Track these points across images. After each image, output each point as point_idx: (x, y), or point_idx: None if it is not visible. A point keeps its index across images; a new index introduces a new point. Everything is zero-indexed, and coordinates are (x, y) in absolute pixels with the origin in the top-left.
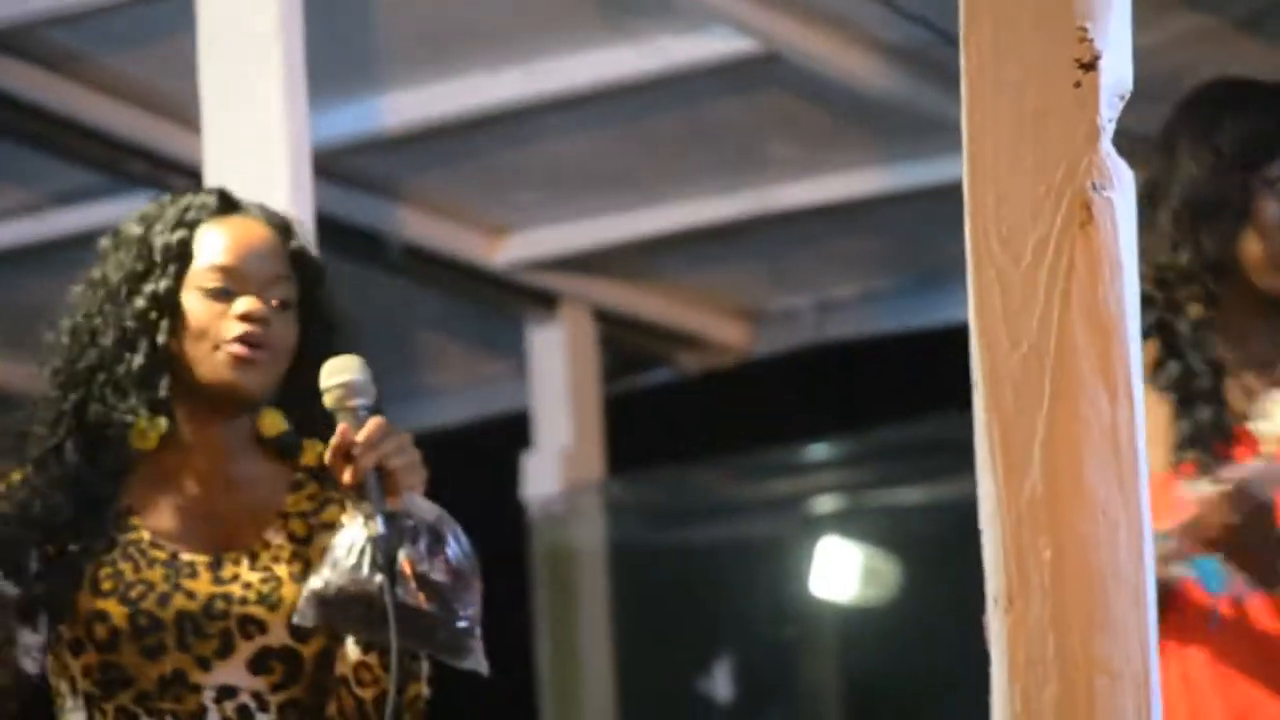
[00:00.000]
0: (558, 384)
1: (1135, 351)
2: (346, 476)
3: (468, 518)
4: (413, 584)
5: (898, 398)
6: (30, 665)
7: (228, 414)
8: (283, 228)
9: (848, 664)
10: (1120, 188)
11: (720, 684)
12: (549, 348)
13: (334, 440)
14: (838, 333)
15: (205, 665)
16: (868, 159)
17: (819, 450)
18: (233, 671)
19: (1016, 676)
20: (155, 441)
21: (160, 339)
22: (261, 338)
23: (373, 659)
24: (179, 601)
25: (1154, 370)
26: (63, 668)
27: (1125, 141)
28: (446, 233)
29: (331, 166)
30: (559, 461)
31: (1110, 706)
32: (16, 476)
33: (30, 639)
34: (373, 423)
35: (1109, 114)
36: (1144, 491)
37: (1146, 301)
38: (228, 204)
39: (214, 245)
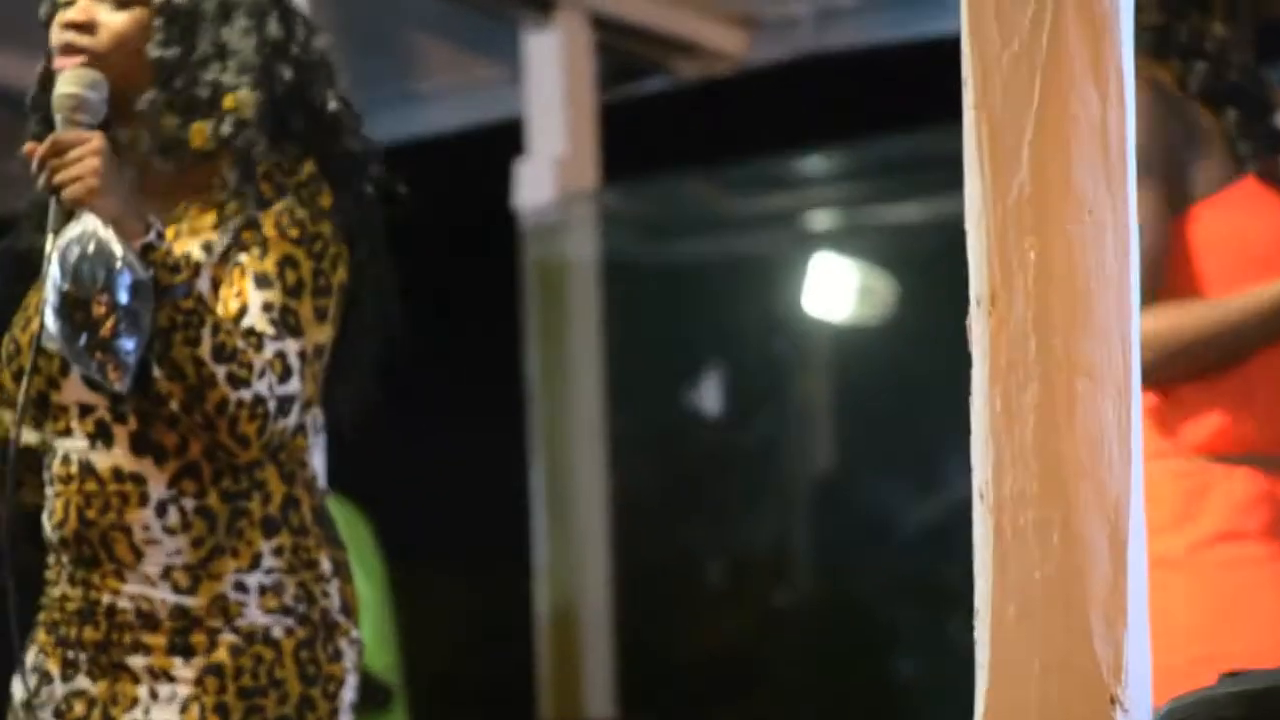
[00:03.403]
0: (553, 90)
1: (1128, 52)
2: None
3: (459, 225)
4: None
5: (897, 109)
6: None
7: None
8: None
9: (839, 380)
10: None
11: (710, 397)
12: (544, 53)
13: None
14: (837, 41)
15: (55, 384)
16: None
17: (816, 163)
18: (79, 389)
19: (998, 378)
20: None
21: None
22: (78, 44)
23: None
24: (35, 324)
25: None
26: None
27: None
28: None
29: None
30: (553, 169)
31: (1091, 409)
32: None
33: None
34: (49, 140)
35: None
36: (1132, 194)
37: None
38: None
39: None
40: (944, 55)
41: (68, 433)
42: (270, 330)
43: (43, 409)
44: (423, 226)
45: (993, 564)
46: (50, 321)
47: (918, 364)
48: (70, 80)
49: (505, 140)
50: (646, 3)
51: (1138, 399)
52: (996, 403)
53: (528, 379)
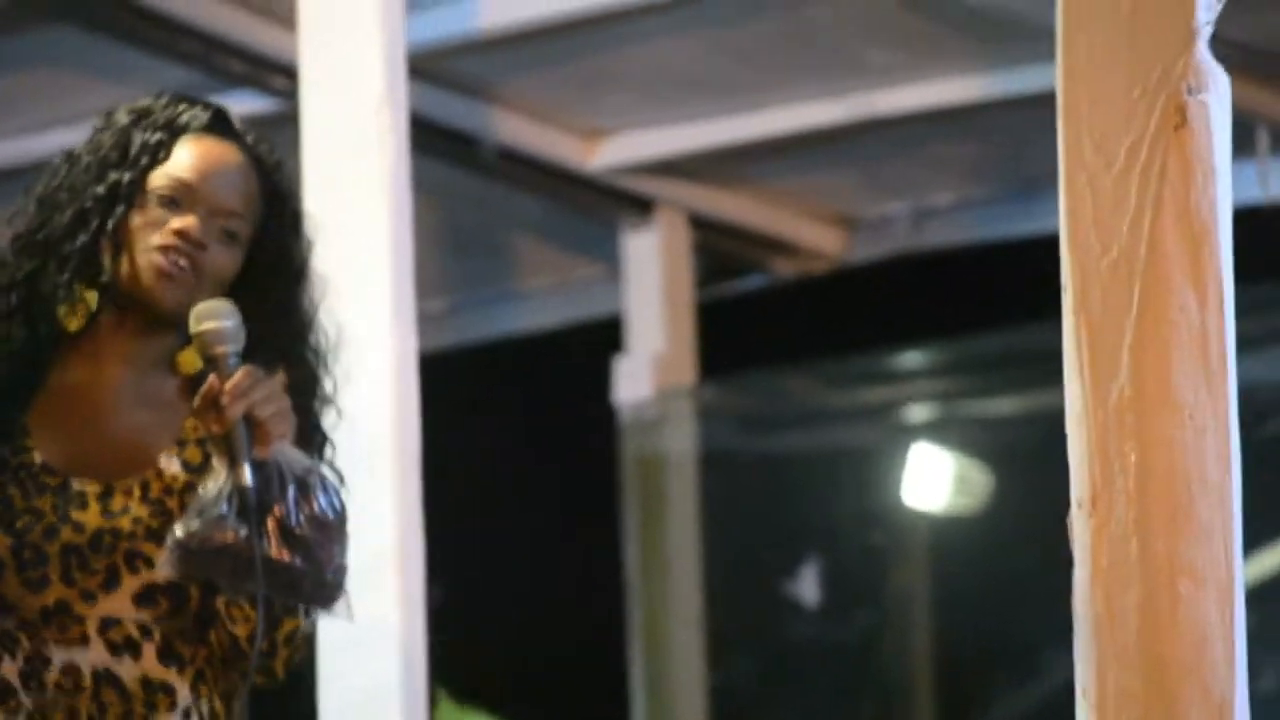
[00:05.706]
0: (651, 288)
1: (1227, 257)
2: (214, 426)
3: (559, 421)
4: (276, 537)
5: (993, 306)
6: None
7: (145, 328)
8: (266, 166)
9: (937, 572)
10: (1215, 91)
11: (809, 591)
12: (643, 252)
13: (202, 389)
14: (933, 240)
15: (89, 598)
16: (967, 65)
17: (912, 358)
18: (117, 604)
19: (1099, 578)
20: (81, 321)
21: (109, 225)
22: (189, 257)
23: (243, 599)
24: (65, 534)
25: None
26: None
27: (1221, 46)
28: (541, 135)
29: (426, 67)
30: (651, 366)
31: (1194, 610)
32: None
33: None
34: (240, 372)
35: (1206, 16)
36: (1233, 397)
37: None
38: (220, 124)
39: (183, 157)
40: (1039, 254)
41: (82, 641)
42: None
43: (46, 620)
44: (523, 422)
45: None
46: (276, 556)
47: (1015, 555)
48: (202, 315)
49: (605, 337)
50: (744, 203)
51: (1241, 602)
52: (1099, 603)
53: (627, 572)
